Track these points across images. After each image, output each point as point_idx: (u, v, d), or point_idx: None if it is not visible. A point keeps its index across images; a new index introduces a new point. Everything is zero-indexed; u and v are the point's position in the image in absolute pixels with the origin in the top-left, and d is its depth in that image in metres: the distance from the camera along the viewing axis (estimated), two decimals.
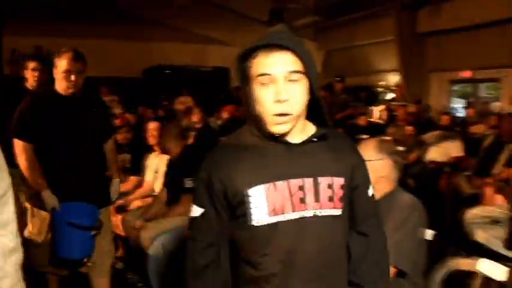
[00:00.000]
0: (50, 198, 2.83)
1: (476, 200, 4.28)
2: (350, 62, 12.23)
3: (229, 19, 11.49)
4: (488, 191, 4.23)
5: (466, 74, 9.76)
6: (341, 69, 10.79)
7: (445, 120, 7.73)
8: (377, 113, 9.05)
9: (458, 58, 9.72)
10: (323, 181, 1.35)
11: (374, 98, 11.07)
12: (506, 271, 2.00)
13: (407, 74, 10.16)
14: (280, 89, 1.25)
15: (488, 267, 2.03)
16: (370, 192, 1.49)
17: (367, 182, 1.48)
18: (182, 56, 11.63)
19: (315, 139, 1.36)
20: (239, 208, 1.34)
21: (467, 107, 10.16)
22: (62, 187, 2.87)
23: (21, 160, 2.84)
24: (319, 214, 1.34)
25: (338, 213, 1.37)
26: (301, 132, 1.37)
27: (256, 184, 1.31)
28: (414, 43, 10.30)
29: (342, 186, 1.37)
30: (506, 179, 4.34)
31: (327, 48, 13.20)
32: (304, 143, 1.36)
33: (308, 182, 1.33)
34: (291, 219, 1.32)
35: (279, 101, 1.24)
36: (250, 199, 1.31)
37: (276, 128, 1.29)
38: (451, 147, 5.66)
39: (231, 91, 9.53)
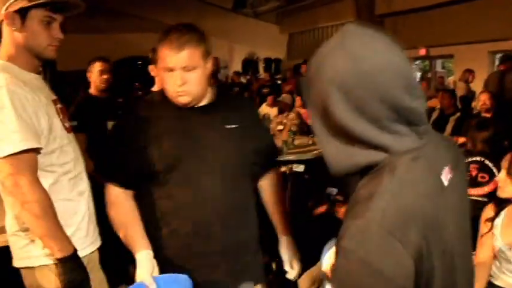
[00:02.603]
0: (144, 264, 1.61)
1: None
2: (313, 44, 12.66)
3: (196, 7, 11.74)
4: None
5: (422, 51, 10.36)
6: (304, 51, 11.24)
7: None
8: None
9: (414, 37, 10.31)
10: None
11: None
12: None
13: None
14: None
15: None
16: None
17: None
18: (151, 46, 11.77)
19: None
20: None
21: (420, 81, 10.80)
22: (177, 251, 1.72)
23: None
24: None
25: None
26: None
27: None
28: (372, 24, 10.81)
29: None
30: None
31: (290, 31, 13.63)
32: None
33: None
34: None
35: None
36: None
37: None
38: None
39: None
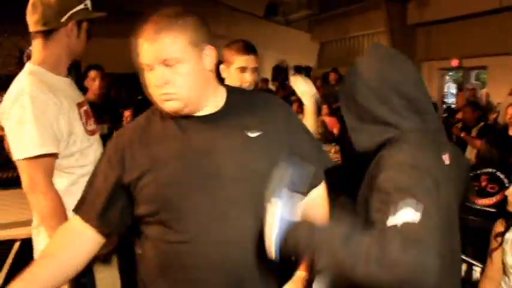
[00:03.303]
0: None
1: None
2: (344, 53, 12.65)
3: (227, 14, 11.89)
4: None
5: (454, 62, 10.21)
6: (335, 60, 11.23)
7: None
8: None
9: (446, 47, 10.17)
10: None
11: None
12: None
13: None
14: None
15: None
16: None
17: None
18: None
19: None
20: None
21: (457, 94, 10.65)
22: None
23: None
24: None
25: None
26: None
27: None
28: (404, 34, 10.75)
29: None
30: None
31: (321, 39, 13.62)
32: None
33: None
34: None
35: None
36: None
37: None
38: None
39: None
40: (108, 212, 1.32)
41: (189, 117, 1.28)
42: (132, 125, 1.39)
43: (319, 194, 1.46)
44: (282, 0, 11.44)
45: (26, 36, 1.85)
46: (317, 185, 1.43)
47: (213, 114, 1.30)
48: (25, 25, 1.78)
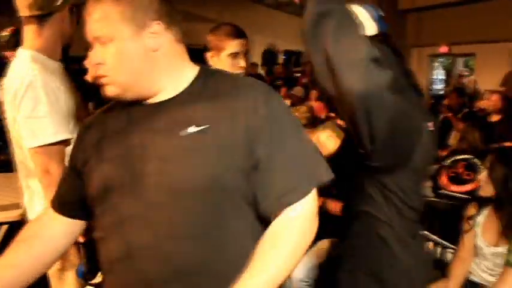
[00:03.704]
0: None
1: None
2: None
3: None
4: None
5: (443, 49, 10.27)
6: None
7: None
8: None
9: (436, 34, 10.23)
10: None
11: None
12: None
13: None
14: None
15: None
16: None
17: None
18: None
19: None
20: None
21: (446, 80, 10.75)
22: None
23: None
24: None
25: None
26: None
27: None
28: (395, 20, 10.76)
29: None
30: None
31: None
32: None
33: None
34: None
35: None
36: None
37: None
38: None
39: None
40: (67, 196, 1.28)
41: (140, 103, 1.15)
42: (100, 109, 1.28)
43: (287, 224, 1.07)
44: None
45: None
46: (290, 204, 1.07)
47: (165, 101, 1.13)
48: None
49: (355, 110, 1.33)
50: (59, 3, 1.75)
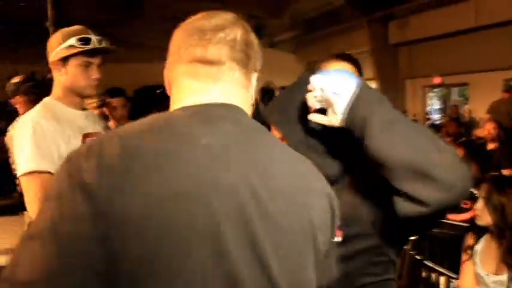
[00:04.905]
0: None
1: None
2: None
3: None
4: None
5: (437, 80, 10.44)
6: None
7: None
8: None
9: (428, 65, 10.42)
10: None
11: None
12: None
13: (383, 82, 10.81)
14: None
15: None
16: None
17: None
18: None
19: None
20: None
21: (443, 109, 10.87)
22: None
23: None
24: None
25: None
26: None
27: None
28: (387, 53, 11.00)
29: None
30: None
31: (307, 60, 13.85)
32: None
33: None
34: None
35: None
36: None
37: None
38: None
39: None
40: None
41: None
42: None
43: None
44: (267, 23, 11.64)
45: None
46: None
47: None
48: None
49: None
50: (51, 58, 1.92)
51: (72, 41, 1.88)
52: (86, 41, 1.89)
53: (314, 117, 1.23)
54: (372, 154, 1.06)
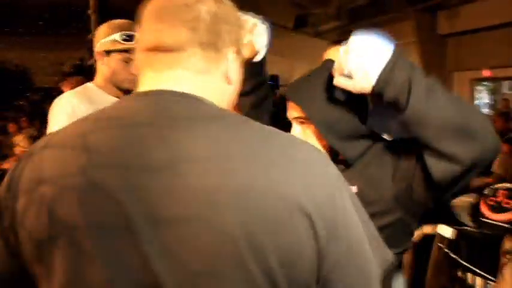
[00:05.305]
0: None
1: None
2: None
3: None
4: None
5: (486, 73, 10.08)
6: None
7: None
8: None
9: (477, 58, 10.05)
10: None
11: None
12: (454, 231, 2.66)
13: (429, 74, 10.46)
14: None
15: (442, 229, 2.66)
16: None
17: None
18: None
19: None
20: None
21: (492, 104, 10.48)
22: None
23: None
24: None
25: None
26: None
27: None
28: (435, 44, 10.67)
29: None
30: None
31: None
32: None
33: None
34: None
35: None
36: None
37: None
38: None
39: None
40: None
41: None
42: None
43: None
44: (311, 12, 11.52)
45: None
46: None
47: None
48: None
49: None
50: (96, 48, 2.00)
51: (117, 36, 1.94)
52: (129, 37, 1.94)
53: (340, 82, 1.23)
54: (414, 116, 1.12)
